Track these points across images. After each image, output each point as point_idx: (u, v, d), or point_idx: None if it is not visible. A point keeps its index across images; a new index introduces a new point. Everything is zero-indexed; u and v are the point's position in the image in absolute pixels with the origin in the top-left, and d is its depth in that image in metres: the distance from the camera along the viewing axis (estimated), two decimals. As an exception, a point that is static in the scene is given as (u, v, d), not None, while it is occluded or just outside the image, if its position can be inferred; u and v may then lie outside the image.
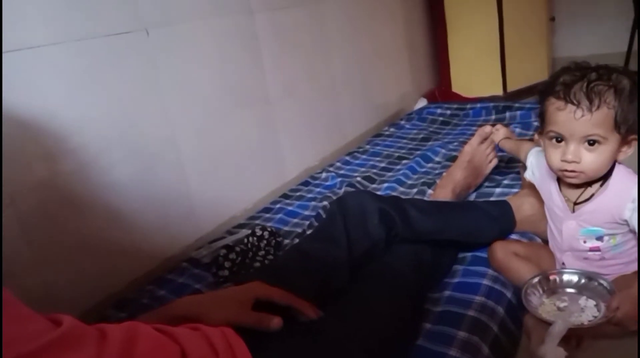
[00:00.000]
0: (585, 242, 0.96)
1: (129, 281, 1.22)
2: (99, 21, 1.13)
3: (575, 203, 0.95)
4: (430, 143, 1.95)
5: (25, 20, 1.00)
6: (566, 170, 0.90)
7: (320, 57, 1.89)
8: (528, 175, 1.09)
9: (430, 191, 1.45)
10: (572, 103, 0.85)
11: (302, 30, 1.79)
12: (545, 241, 1.11)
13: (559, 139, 0.89)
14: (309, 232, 1.29)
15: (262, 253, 1.25)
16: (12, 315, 0.43)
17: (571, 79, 0.86)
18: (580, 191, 0.94)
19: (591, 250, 0.96)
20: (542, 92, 0.92)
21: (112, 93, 1.17)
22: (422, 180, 1.56)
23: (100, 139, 1.15)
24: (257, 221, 1.47)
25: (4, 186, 0.99)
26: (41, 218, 1.05)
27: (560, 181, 0.98)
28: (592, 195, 0.93)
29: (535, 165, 1.06)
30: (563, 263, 1.00)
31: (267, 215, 1.52)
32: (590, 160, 0.88)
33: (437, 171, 1.63)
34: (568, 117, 0.86)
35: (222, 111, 1.47)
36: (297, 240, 1.30)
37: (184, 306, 0.81)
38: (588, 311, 0.91)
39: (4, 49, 0.97)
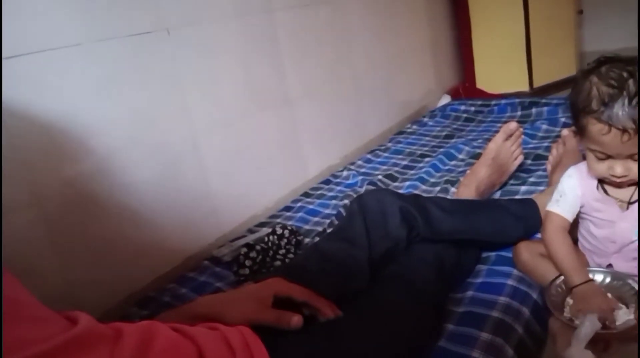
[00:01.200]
0: (637, 241, 0.91)
1: (151, 280, 1.23)
2: (120, 22, 1.14)
3: (630, 202, 0.91)
4: (453, 140, 1.92)
5: (47, 22, 1.01)
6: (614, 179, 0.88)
7: (342, 54, 1.88)
8: (563, 211, 0.98)
9: (453, 190, 1.42)
10: (617, 128, 0.80)
11: (323, 28, 1.77)
12: (574, 241, 1.08)
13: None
14: (329, 231, 1.28)
15: (282, 251, 1.25)
16: (26, 315, 0.43)
17: (609, 95, 0.81)
18: (631, 189, 0.91)
19: None
20: (578, 107, 0.86)
21: (134, 93, 1.18)
22: (445, 178, 1.54)
23: (123, 139, 1.16)
24: (278, 220, 1.47)
25: (29, 187, 1.00)
26: (66, 217, 1.07)
27: (603, 184, 0.94)
28: None
29: (567, 199, 0.97)
30: (609, 266, 0.96)
31: (288, 214, 1.51)
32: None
33: (460, 169, 1.61)
34: (614, 140, 0.82)
35: (243, 109, 1.47)
36: (317, 239, 1.29)
37: (204, 305, 0.81)
38: (618, 313, 0.88)
39: (27, 52, 0.98)
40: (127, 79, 1.16)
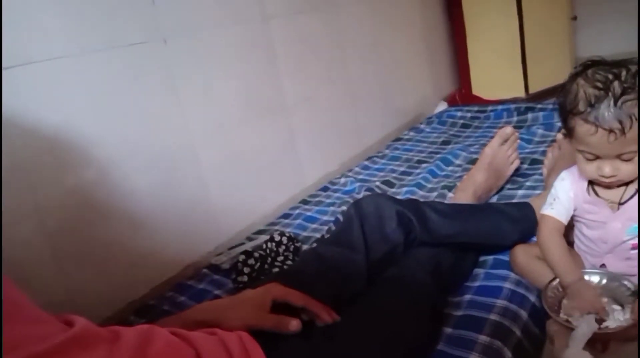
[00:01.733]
0: (628, 241, 0.92)
1: (150, 288, 1.23)
2: (117, 32, 1.15)
3: (620, 203, 0.91)
4: (450, 146, 1.92)
5: (44, 33, 1.02)
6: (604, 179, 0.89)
7: (339, 62, 1.89)
8: (557, 214, 0.98)
9: (450, 195, 1.43)
10: (604, 129, 0.81)
11: (319, 36, 1.79)
12: (570, 244, 1.08)
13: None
14: (326, 236, 1.29)
15: (280, 258, 1.25)
16: (24, 316, 0.44)
17: (595, 96, 0.82)
18: (621, 190, 0.91)
19: (633, 247, 0.92)
20: (565, 108, 0.87)
21: (132, 103, 1.19)
22: (443, 184, 1.54)
23: (122, 148, 1.16)
24: (276, 227, 1.48)
25: (30, 197, 1.01)
26: (66, 227, 1.07)
27: (594, 185, 0.94)
28: (636, 190, 0.90)
29: (560, 202, 0.97)
30: (602, 266, 0.96)
31: (286, 221, 1.52)
32: (627, 170, 0.86)
33: (457, 174, 1.61)
34: (601, 141, 0.83)
35: (240, 118, 1.48)
36: (315, 245, 1.29)
37: (203, 311, 0.82)
38: (614, 314, 0.88)
39: (25, 62, 0.99)
40: (125, 89, 1.17)
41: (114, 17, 1.14)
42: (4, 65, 0.95)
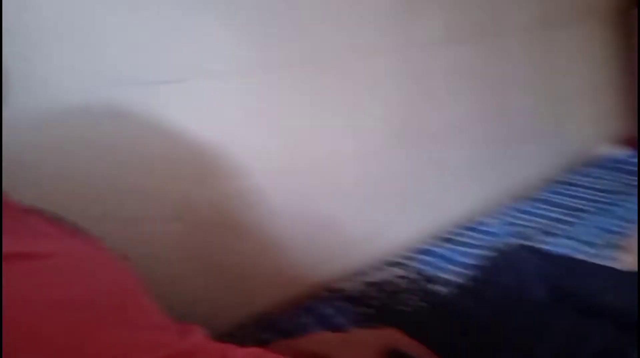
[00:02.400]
0: None
1: (273, 304, 1.24)
2: (268, 54, 1.18)
3: None
4: (620, 196, 1.69)
5: (209, 51, 1.09)
6: None
7: (496, 95, 1.77)
8: None
9: (617, 255, 1.24)
10: None
11: (478, 66, 1.69)
12: None
13: None
14: (463, 284, 1.18)
15: (411, 297, 1.19)
16: (146, 322, 0.44)
17: None
18: None
19: None
20: None
21: (276, 121, 1.22)
22: (607, 241, 1.35)
23: (263, 165, 1.20)
24: (412, 263, 1.40)
25: (175, 201, 1.08)
26: (207, 235, 1.13)
27: None
28: None
29: None
30: None
31: (423, 257, 1.43)
32: None
33: (627, 232, 1.40)
34: None
35: (385, 142, 1.44)
36: (451, 289, 1.20)
37: (314, 342, 0.80)
38: None
39: (194, 77, 1.07)
40: (271, 107, 1.20)
41: (267, 40, 1.17)
42: (171, 78, 1.03)
